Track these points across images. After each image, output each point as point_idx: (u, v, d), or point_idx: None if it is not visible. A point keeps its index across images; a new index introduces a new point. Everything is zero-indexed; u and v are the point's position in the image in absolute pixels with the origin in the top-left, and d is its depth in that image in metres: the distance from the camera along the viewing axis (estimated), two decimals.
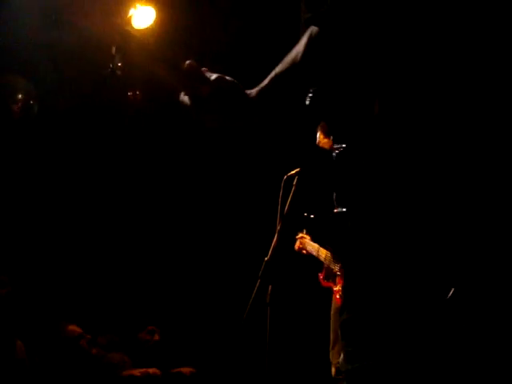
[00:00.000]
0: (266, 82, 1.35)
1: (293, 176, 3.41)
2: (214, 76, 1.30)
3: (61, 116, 5.33)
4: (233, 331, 3.99)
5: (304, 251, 3.95)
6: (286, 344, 4.79)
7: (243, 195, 5.73)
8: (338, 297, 3.66)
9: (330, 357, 3.61)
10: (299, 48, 1.32)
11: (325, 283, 3.89)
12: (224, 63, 4.85)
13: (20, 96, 5.28)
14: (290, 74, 1.32)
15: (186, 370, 4.76)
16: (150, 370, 4.50)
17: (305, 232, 4.05)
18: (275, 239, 3.20)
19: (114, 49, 4.66)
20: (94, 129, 5.53)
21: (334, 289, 3.73)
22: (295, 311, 5.23)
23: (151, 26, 4.53)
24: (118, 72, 5.02)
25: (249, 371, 4.53)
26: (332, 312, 3.68)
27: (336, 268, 3.68)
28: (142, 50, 4.67)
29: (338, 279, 3.70)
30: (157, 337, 4.99)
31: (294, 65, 1.31)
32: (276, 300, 3.08)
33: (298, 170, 3.42)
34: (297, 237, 4.06)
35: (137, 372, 4.48)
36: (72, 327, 4.45)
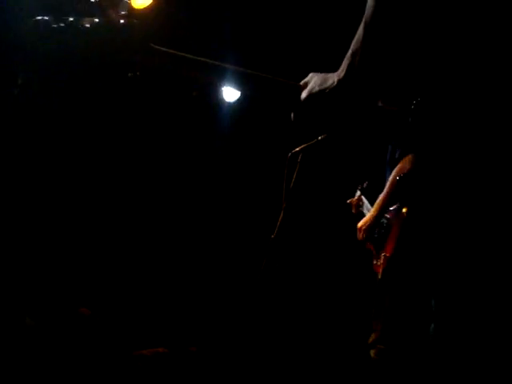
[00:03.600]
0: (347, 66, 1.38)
1: (297, 153, 3.40)
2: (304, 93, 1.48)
3: (57, 101, 5.30)
4: (238, 311, 4.00)
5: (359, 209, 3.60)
6: (293, 321, 4.82)
7: (250, 172, 5.71)
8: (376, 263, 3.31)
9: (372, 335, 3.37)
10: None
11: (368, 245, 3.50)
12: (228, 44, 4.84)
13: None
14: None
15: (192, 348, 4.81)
16: (160, 349, 4.56)
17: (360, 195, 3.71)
18: (281, 216, 3.20)
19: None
20: (92, 111, 5.50)
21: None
22: (301, 289, 5.24)
23: (152, 4, 4.45)
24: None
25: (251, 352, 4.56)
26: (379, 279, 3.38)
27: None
28: (142, 28, 4.61)
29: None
30: None
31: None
32: (282, 277, 3.09)
33: (302, 146, 3.41)
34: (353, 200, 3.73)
35: (146, 352, 4.54)
36: (83, 309, 4.49)
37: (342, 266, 4.70)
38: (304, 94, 1.44)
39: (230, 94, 5.37)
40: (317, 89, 1.41)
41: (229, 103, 5.46)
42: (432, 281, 1.38)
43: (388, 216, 3.30)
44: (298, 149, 3.39)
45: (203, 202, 5.90)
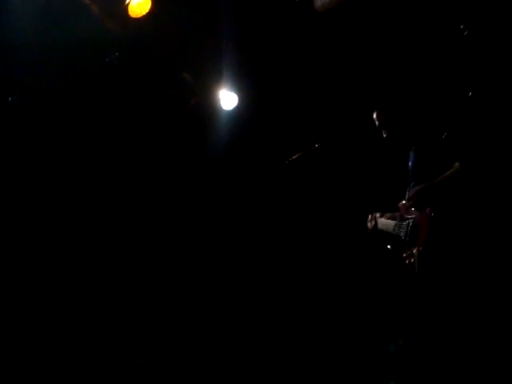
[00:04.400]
0: None
1: (294, 161, 3.40)
2: None
3: (56, 110, 5.32)
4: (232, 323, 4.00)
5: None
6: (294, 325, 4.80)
7: (248, 180, 5.72)
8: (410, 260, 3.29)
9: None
10: None
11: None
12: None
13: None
14: None
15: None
16: (155, 359, 4.59)
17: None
18: (278, 224, 3.20)
19: (111, 39, 4.63)
20: (90, 122, 5.51)
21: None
22: (297, 300, 5.23)
23: (148, 14, 4.46)
24: (116, 62, 5.01)
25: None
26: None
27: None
28: (139, 39, 4.64)
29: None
30: None
31: None
32: (280, 286, 3.09)
33: (299, 154, 3.41)
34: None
35: (143, 361, 4.57)
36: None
37: (338, 271, 4.71)
38: None
39: (228, 102, 5.39)
40: None
41: (226, 111, 5.47)
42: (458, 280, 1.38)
43: (411, 216, 3.24)
44: (295, 157, 3.40)
45: (200, 209, 5.90)
